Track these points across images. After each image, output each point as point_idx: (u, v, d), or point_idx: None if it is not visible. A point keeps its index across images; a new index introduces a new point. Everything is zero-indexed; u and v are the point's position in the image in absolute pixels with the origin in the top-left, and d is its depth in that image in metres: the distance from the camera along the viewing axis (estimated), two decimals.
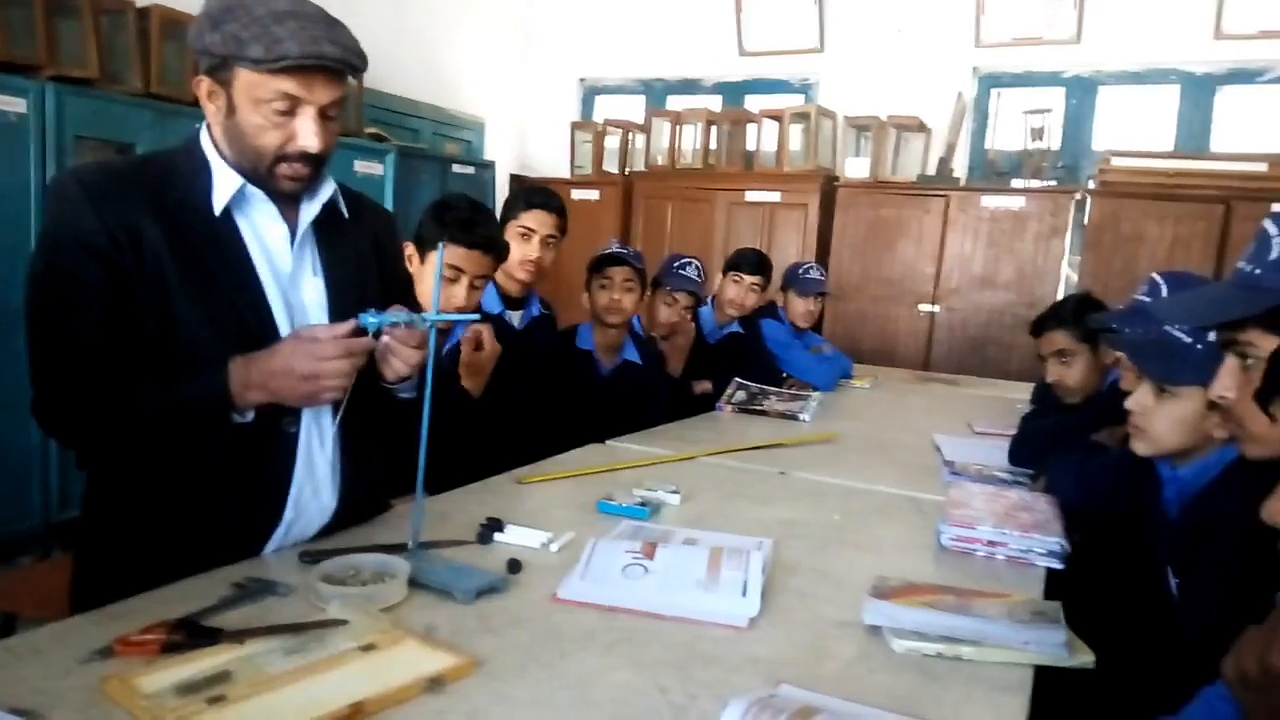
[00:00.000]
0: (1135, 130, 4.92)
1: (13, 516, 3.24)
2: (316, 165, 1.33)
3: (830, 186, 5.13)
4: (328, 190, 1.42)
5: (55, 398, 1.28)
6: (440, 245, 1.61)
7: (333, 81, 1.28)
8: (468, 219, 1.96)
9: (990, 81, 5.18)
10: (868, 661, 1.15)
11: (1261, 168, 4.35)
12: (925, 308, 4.90)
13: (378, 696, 0.94)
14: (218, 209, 1.31)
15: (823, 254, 5.09)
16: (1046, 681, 1.16)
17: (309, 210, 1.40)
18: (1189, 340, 1.43)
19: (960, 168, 5.10)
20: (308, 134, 1.28)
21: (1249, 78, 4.69)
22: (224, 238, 1.32)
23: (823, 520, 1.76)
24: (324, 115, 1.29)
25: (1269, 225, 1.11)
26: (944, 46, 5.13)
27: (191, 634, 1.04)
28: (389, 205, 4.56)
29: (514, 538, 1.50)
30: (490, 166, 5.40)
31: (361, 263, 1.50)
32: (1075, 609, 1.29)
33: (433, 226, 1.97)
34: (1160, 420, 1.46)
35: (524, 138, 6.34)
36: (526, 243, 2.45)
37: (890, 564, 1.50)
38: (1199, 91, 4.79)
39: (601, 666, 1.08)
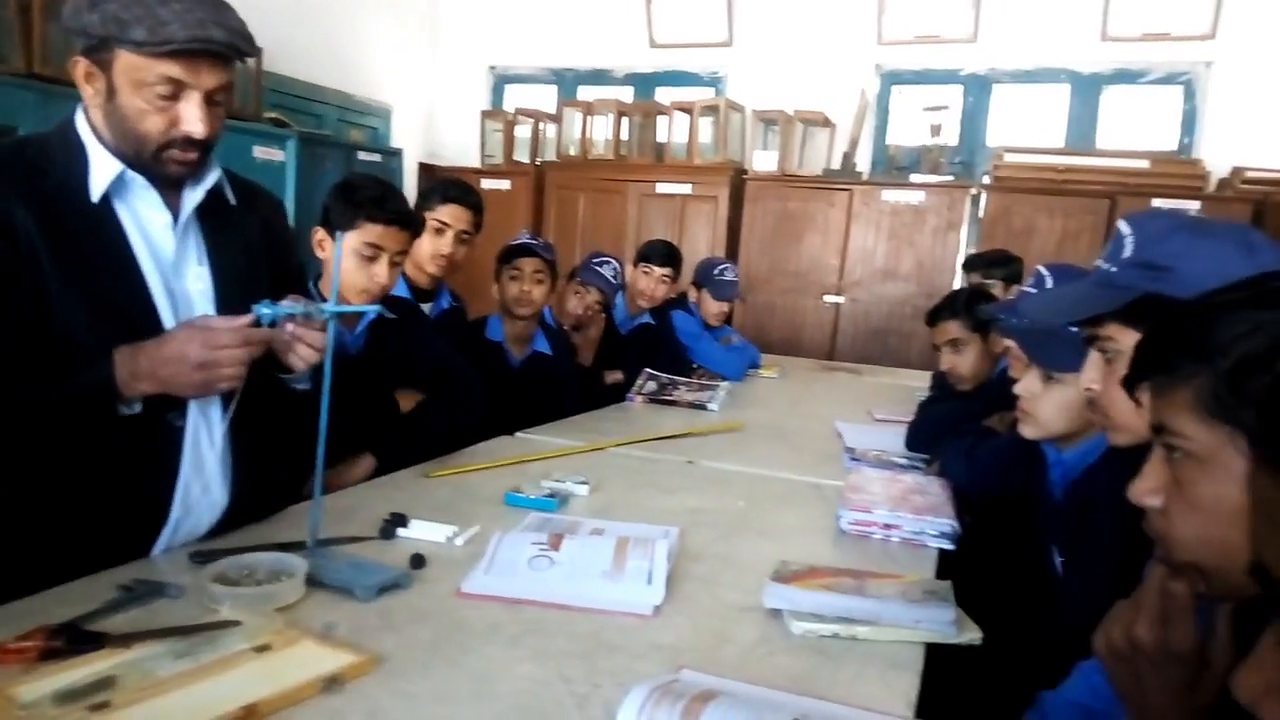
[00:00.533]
0: (1027, 127, 5.12)
1: None
2: (204, 150, 1.29)
3: (739, 179, 5.20)
4: (212, 176, 1.37)
5: None
6: (338, 234, 1.56)
7: (219, 65, 1.25)
8: (380, 195, 1.91)
9: (891, 78, 5.32)
10: (768, 644, 1.18)
11: (1144, 164, 4.60)
12: (830, 299, 5.02)
13: (272, 697, 0.92)
14: (95, 195, 1.26)
15: (732, 246, 5.16)
16: (938, 658, 1.21)
17: (192, 197, 1.35)
18: (1075, 329, 1.51)
19: (863, 162, 5.23)
20: (193, 119, 1.24)
21: (1132, 78, 4.94)
22: (102, 225, 1.27)
23: (728, 508, 1.80)
24: (210, 100, 1.26)
25: (1123, 226, 1.19)
26: (847, 43, 5.25)
27: (73, 639, 1.00)
28: (291, 192, 4.42)
29: (418, 533, 1.48)
30: (398, 154, 5.29)
31: (250, 252, 1.45)
32: (966, 588, 1.35)
33: (344, 208, 1.90)
34: (1046, 405, 1.54)
35: (433, 125, 6.23)
36: (440, 237, 2.41)
37: (792, 549, 1.54)
38: (1086, 91, 5.02)
39: (506, 659, 1.08)
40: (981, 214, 4.75)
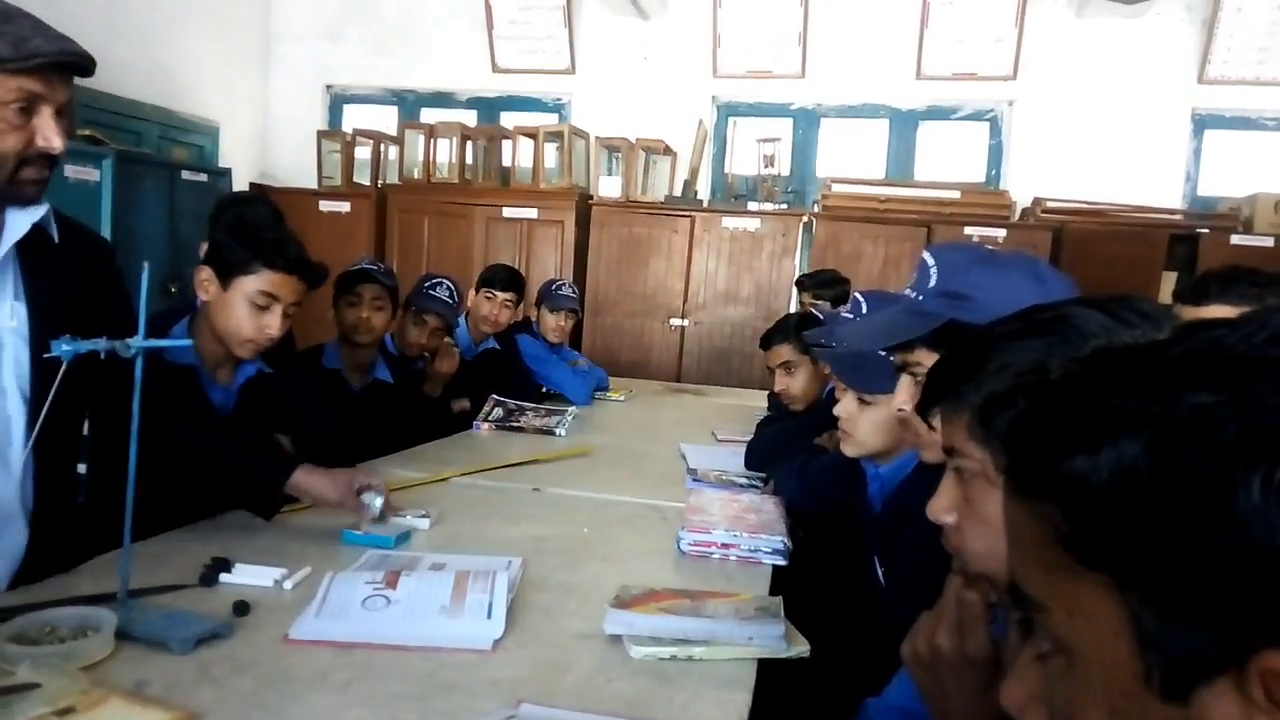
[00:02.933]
0: (852, 159, 5.44)
1: None
2: (53, 168, 1.26)
3: (585, 204, 5.25)
4: (40, 209, 1.30)
5: None
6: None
7: (68, 80, 1.23)
8: (281, 240, 1.78)
9: (728, 110, 5.53)
10: (607, 671, 1.19)
11: (956, 194, 4.97)
12: (676, 322, 5.14)
13: None
14: None
15: (580, 270, 5.20)
16: (770, 673, 1.26)
17: (15, 228, 1.26)
18: (884, 354, 1.61)
19: (704, 190, 5.40)
20: (50, 133, 1.22)
21: (945, 114, 5.33)
22: None
23: (573, 534, 1.80)
24: (58, 115, 1.23)
25: (927, 257, 1.28)
26: (686, 75, 5.42)
27: None
28: (107, 214, 4.13)
29: (243, 577, 1.41)
30: (226, 174, 5.04)
31: (69, 291, 1.37)
32: (799, 602, 1.41)
33: (238, 249, 1.75)
34: (862, 425, 1.64)
35: (265, 145, 5.98)
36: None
37: (634, 573, 1.56)
38: (904, 125, 5.38)
39: (334, 707, 1.05)
40: (813, 240, 5.00)
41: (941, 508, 0.88)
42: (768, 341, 2.60)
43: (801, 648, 1.28)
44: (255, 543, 1.59)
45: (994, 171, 5.28)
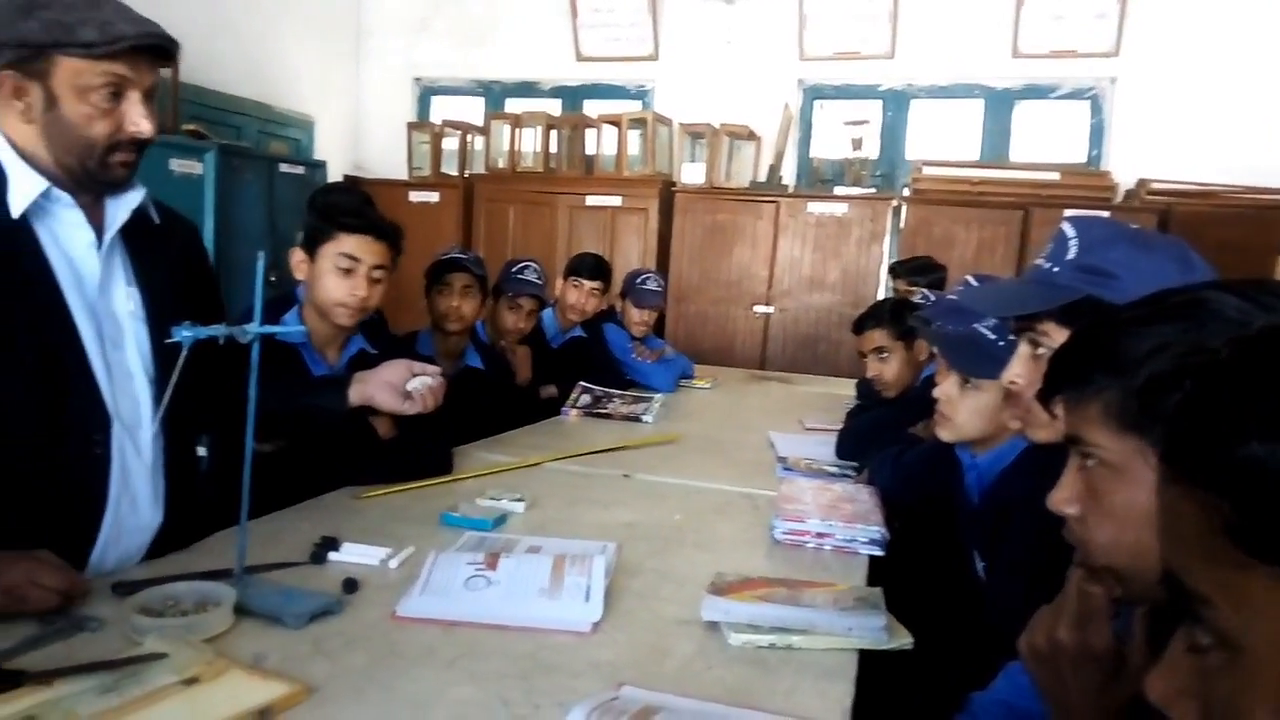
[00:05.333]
0: (944, 141, 5.29)
1: None
2: (141, 152, 1.29)
3: (669, 191, 5.25)
4: (139, 194, 1.35)
5: None
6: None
7: (153, 65, 1.26)
8: (354, 205, 1.88)
9: (814, 93, 5.44)
10: (706, 658, 1.19)
11: (1054, 176, 4.79)
12: (760, 309, 5.09)
13: None
14: (15, 213, 1.22)
15: (663, 257, 5.19)
16: (870, 664, 1.23)
17: (118, 214, 1.32)
18: (993, 338, 1.56)
19: (789, 175, 5.33)
20: (139, 117, 1.25)
21: (1042, 93, 5.14)
22: (19, 244, 1.23)
23: (665, 521, 1.81)
24: (146, 99, 1.26)
25: (1067, 227, 1.22)
26: (771, 58, 5.35)
27: None
28: (210, 206, 4.30)
29: (350, 556, 1.45)
30: (321, 166, 5.19)
31: (174, 273, 1.44)
32: (895, 593, 1.38)
33: (319, 221, 1.87)
34: (962, 409, 1.59)
35: (358, 138, 6.14)
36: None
37: (728, 560, 1.55)
38: (999, 105, 5.21)
39: (442, 683, 1.07)
40: (902, 225, 4.89)
41: (1063, 499, 0.85)
42: (860, 326, 2.55)
43: (904, 640, 1.26)
44: (360, 523, 1.63)
45: (1095, 152, 5.07)
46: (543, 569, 1.38)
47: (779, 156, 5.19)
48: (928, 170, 4.90)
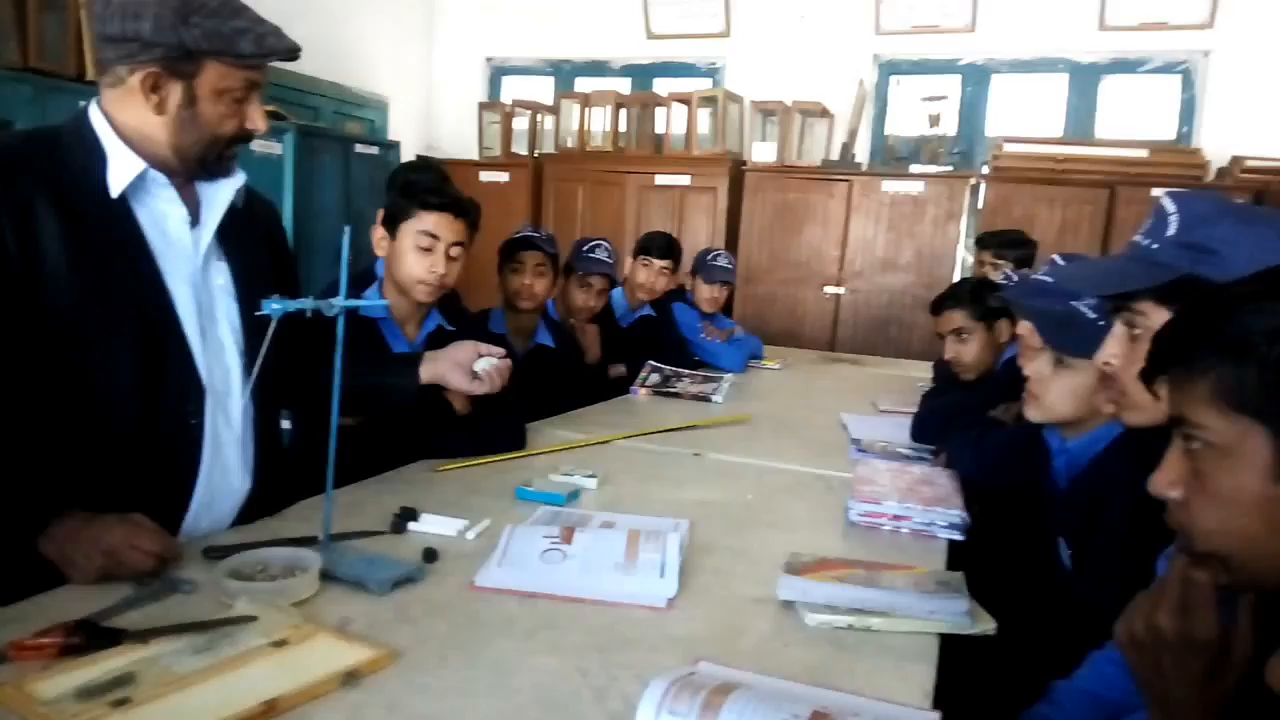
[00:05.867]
0: (1026, 117, 5.12)
1: None
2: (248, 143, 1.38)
3: (738, 170, 5.19)
4: (241, 177, 1.40)
5: None
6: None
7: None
8: (433, 184, 1.92)
9: (890, 69, 5.31)
10: (783, 636, 1.18)
11: (1142, 154, 4.60)
12: (831, 289, 5.02)
13: (291, 693, 0.92)
14: (115, 192, 1.27)
15: (732, 237, 5.15)
16: (949, 649, 1.21)
17: (219, 195, 1.38)
18: (1093, 316, 1.50)
19: (862, 153, 5.23)
20: (259, 117, 1.33)
21: (1130, 67, 4.93)
22: (119, 221, 1.28)
23: (737, 500, 1.80)
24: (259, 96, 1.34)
25: (1167, 203, 1.17)
26: (845, 34, 5.24)
27: (92, 636, 1.00)
28: (289, 186, 4.40)
29: (429, 526, 1.48)
30: (395, 147, 5.27)
31: (259, 250, 1.49)
32: (976, 579, 1.35)
33: (399, 199, 1.91)
34: (1054, 389, 1.54)
35: (430, 118, 6.21)
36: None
37: (802, 541, 1.54)
38: (1084, 80, 5.02)
39: (522, 652, 1.09)
40: (981, 204, 4.75)
41: (1166, 482, 0.82)
42: (939, 307, 2.49)
43: (987, 625, 1.23)
44: (437, 495, 1.66)
45: (1185, 129, 4.85)
46: (617, 544, 1.38)
47: (853, 134, 5.09)
48: (1009, 147, 4.75)
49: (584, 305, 3.09)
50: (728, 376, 3.17)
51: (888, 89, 5.32)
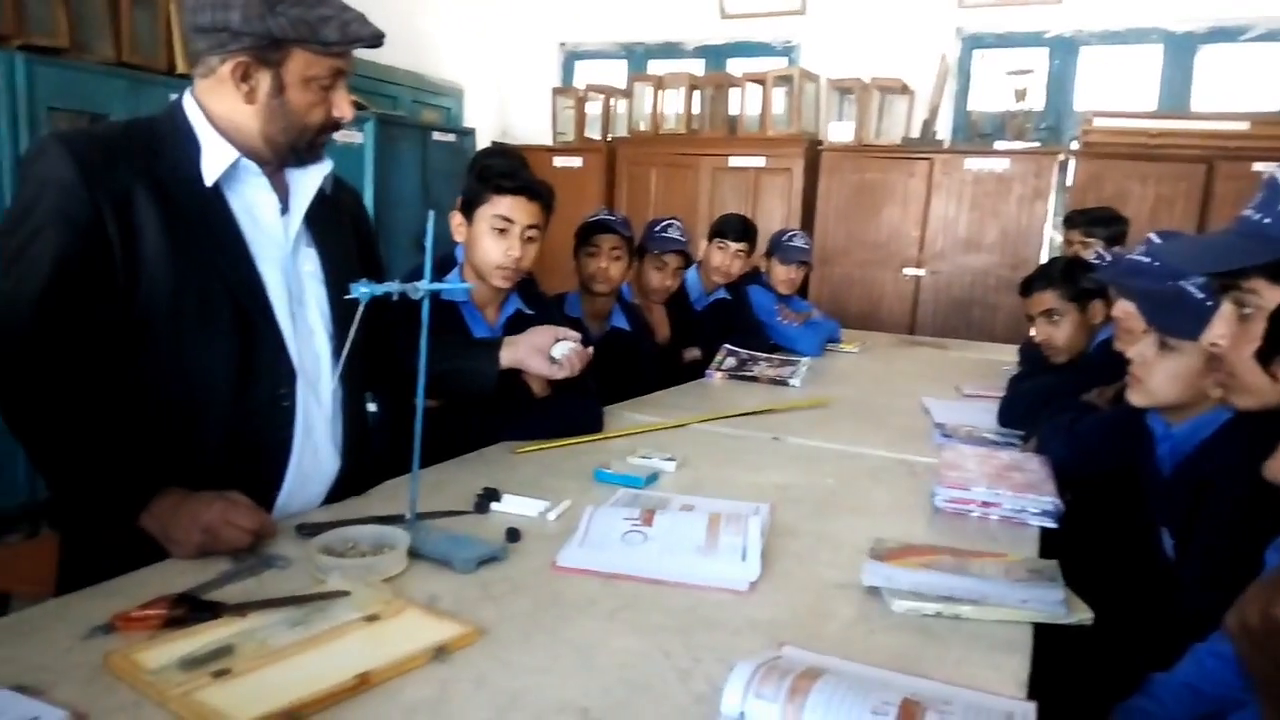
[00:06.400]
0: (1117, 90, 4.91)
1: None
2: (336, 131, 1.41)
3: (814, 150, 5.11)
4: (328, 165, 1.43)
5: (6, 373, 1.26)
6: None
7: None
8: (508, 168, 1.94)
9: (973, 42, 5.15)
10: (868, 622, 1.16)
11: (1243, 126, 4.37)
12: (910, 271, 4.91)
13: (384, 666, 0.94)
14: (209, 180, 1.30)
15: (808, 218, 5.07)
16: (1045, 639, 1.17)
17: (308, 182, 1.41)
18: (1200, 296, 1.43)
19: (944, 130, 5.09)
20: (345, 105, 1.35)
21: (1230, 36, 4.68)
22: (213, 209, 1.31)
23: (817, 484, 1.77)
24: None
25: None
26: (927, 7, 5.09)
27: (193, 608, 1.03)
28: (370, 174, 4.50)
29: (511, 507, 1.49)
30: (470, 134, 5.34)
31: (345, 236, 1.52)
32: (1070, 569, 1.30)
33: (475, 185, 1.94)
34: (1159, 372, 1.48)
35: (504, 104, 6.26)
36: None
37: (886, 526, 1.51)
38: (1180, 50, 4.79)
39: (605, 632, 1.09)
40: (1070, 181, 4.58)
41: None
42: (1029, 287, 2.41)
43: (1084, 615, 1.18)
44: (517, 476, 1.68)
45: None
46: (698, 527, 1.37)
47: (934, 110, 4.95)
48: (1099, 122, 4.56)
49: (660, 285, 3.08)
50: (805, 360, 3.13)
51: (971, 63, 5.16)
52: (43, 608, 1.09)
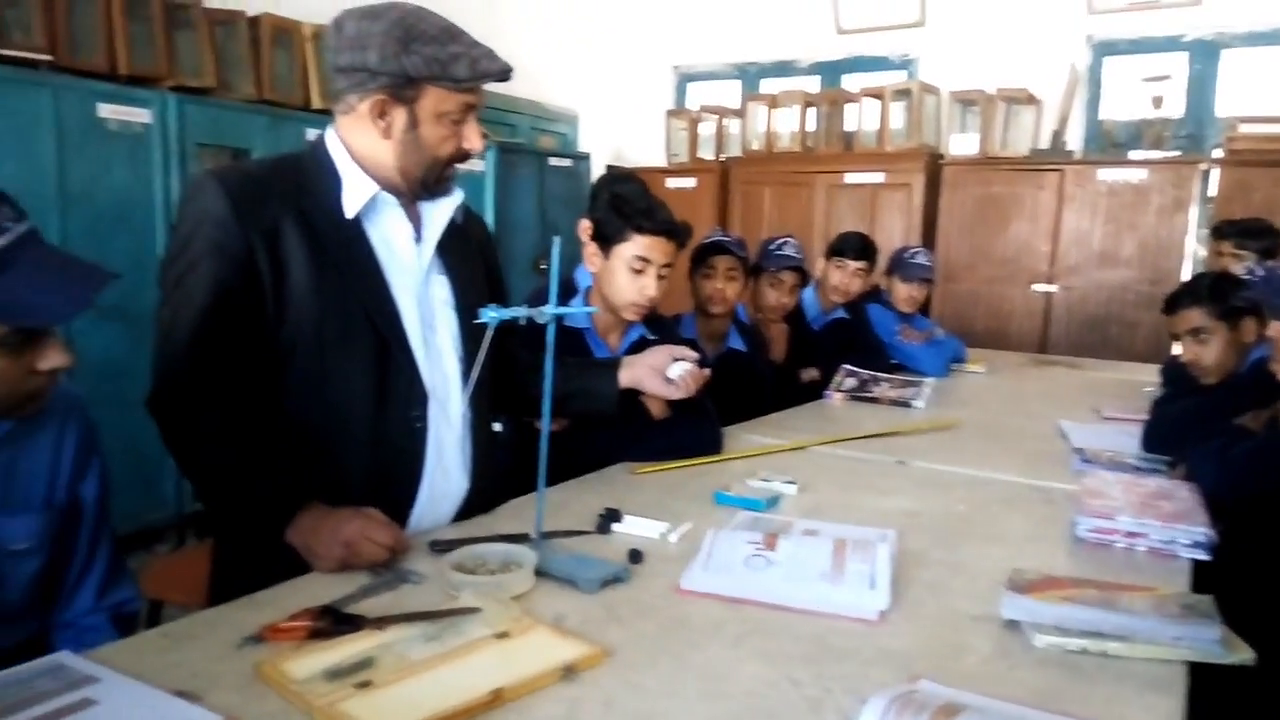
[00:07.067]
0: (1264, 94, 4.60)
1: (147, 507, 3.44)
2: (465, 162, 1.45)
3: (935, 165, 4.98)
4: (459, 195, 1.49)
5: (166, 395, 1.35)
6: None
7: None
8: (648, 207, 1.92)
9: (1104, 49, 4.92)
10: (1008, 658, 1.11)
11: None
12: (1041, 287, 4.71)
13: (516, 684, 0.96)
14: (350, 213, 1.37)
15: (929, 234, 4.94)
16: (1202, 680, 1.09)
17: (440, 213, 1.46)
18: None
19: (1074, 140, 4.88)
20: (476, 138, 1.39)
21: None
22: (354, 240, 1.38)
23: (947, 511, 1.71)
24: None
25: None
26: (1054, 14, 4.91)
27: (335, 621, 1.08)
28: (491, 201, 4.64)
29: (632, 528, 1.50)
30: (586, 159, 5.45)
31: (474, 264, 1.57)
32: (1227, 602, 1.21)
33: (614, 219, 1.91)
34: None
35: (618, 128, 6.36)
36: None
37: (1022, 556, 1.44)
38: None
39: (731, 658, 1.08)
40: (1213, 191, 4.31)
41: None
42: (1174, 305, 2.27)
43: (1244, 654, 1.10)
44: (638, 497, 1.68)
45: None
46: (823, 552, 1.34)
47: (1063, 120, 4.76)
48: (1244, 128, 4.28)
49: (777, 303, 3.05)
50: (928, 380, 3.04)
51: (1102, 70, 4.94)
52: (198, 617, 1.15)
